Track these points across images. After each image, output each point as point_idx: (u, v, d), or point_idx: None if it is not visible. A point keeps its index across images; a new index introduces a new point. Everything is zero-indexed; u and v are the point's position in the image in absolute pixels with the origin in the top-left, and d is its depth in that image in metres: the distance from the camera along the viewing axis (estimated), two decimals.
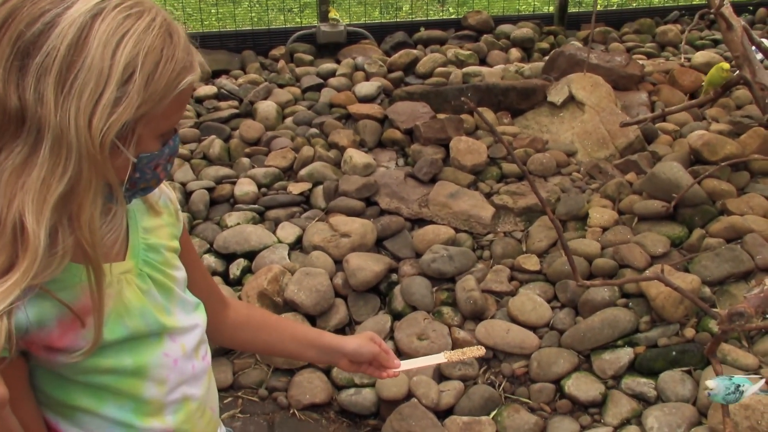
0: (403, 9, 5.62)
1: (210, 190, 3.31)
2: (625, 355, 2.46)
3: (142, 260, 1.00)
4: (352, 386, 2.50)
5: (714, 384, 1.67)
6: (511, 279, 2.80)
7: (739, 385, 1.67)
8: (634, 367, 2.45)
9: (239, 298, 2.76)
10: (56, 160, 0.79)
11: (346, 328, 2.73)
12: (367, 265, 2.78)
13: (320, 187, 3.27)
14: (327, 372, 2.57)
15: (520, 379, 2.48)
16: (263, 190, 3.33)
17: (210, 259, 2.97)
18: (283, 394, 2.54)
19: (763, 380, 1.68)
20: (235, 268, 2.94)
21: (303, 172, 3.37)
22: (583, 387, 2.40)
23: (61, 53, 0.78)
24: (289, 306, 2.72)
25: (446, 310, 2.68)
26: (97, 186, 0.82)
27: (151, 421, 1.00)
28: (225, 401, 2.53)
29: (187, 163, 3.50)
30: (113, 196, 0.91)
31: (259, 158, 3.54)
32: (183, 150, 3.56)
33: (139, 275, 0.99)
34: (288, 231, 3.08)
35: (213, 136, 3.66)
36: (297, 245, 3.04)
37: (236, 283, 2.89)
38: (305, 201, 3.29)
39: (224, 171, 3.43)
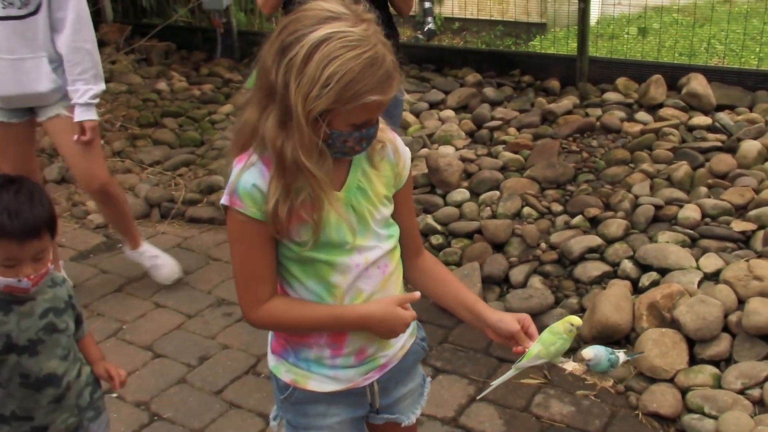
0: None
1: (658, 207, 3.54)
2: None
3: (351, 195, 1.48)
4: (699, 412, 2.57)
5: (592, 353, 1.55)
6: None
7: (613, 350, 1.54)
8: None
9: (633, 304, 3.01)
10: (296, 124, 1.33)
11: (722, 362, 2.76)
12: (765, 312, 2.74)
13: (763, 231, 3.23)
14: (684, 392, 2.67)
15: None
16: (706, 219, 3.43)
17: (627, 265, 3.25)
18: (635, 396, 2.74)
19: (624, 351, 1.61)
20: (646, 279, 3.16)
21: (753, 212, 3.36)
22: None
23: (298, 60, 1.30)
24: (673, 324, 2.87)
25: None
26: (311, 141, 1.34)
27: (335, 301, 1.51)
28: (586, 382, 2.84)
29: (649, 180, 3.78)
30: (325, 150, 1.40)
31: (717, 190, 3.62)
32: (648, 168, 3.85)
33: (345, 204, 1.47)
34: (711, 261, 3.16)
35: (684, 162, 3.84)
36: (714, 277, 3.10)
37: (642, 291, 3.12)
38: (744, 240, 3.29)
39: (678, 194, 3.62)
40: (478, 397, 1.54)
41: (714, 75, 4.70)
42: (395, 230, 1.60)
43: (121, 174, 4.75)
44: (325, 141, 1.38)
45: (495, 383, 1.69)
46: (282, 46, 1.34)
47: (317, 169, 1.37)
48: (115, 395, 2.86)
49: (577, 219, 3.61)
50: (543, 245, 3.51)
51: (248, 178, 1.42)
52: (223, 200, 1.45)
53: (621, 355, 1.60)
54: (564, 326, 1.60)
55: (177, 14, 6.91)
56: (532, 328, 1.59)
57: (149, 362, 3.10)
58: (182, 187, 4.57)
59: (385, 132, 1.54)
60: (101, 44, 6.74)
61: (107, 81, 6.06)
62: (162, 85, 6.07)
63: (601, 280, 3.27)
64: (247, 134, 1.44)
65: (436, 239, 3.72)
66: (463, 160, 4.20)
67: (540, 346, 1.57)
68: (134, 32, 6.82)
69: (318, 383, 1.59)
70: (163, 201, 4.44)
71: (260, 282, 1.50)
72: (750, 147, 3.85)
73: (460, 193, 3.95)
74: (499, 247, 3.59)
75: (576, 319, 1.60)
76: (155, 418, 2.80)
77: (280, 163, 1.38)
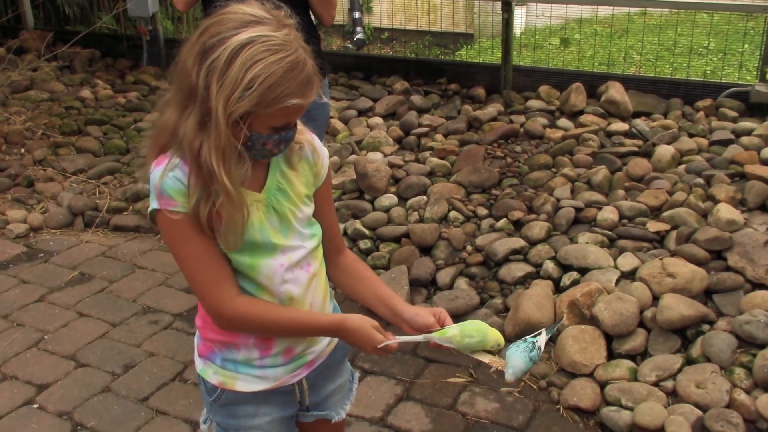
0: None
1: (578, 210, 3.66)
2: None
3: (271, 196, 1.49)
4: (617, 404, 2.67)
5: (511, 372, 1.54)
6: None
7: (534, 342, 1.56)
8: None
9: (554, 302, 3.10)
10: (214, 125, 1.33)
11: (638, 356, 2.87)
12: (677, 307, 2.86)
13: (676, 231, 3.37)
14: (603, 386, 2.77)
15: None
16: (624, 221, 3.56)
17: (549, 265, 3.35)
18: (557, 391, 2.82)
19: (544, 330, 1.64)
20: (567, 279, 3.26)
21: (666, 213, 3.50)
22: None
23: (221, 62, 1.31)
24: (592, 321, 2.97)
25: (739, 371, 2.64)
26: (228, 143, 1.35)
27: (265, 298, 1.52)
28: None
29: (570, 184, 3.90)
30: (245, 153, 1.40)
31: (634, 193, 3.76)
32: (569, 172, 3.97)
33: (266, 205, 1.48)
34: (628, 260, 3.28)
35: (603, 166, 3.98)
36: (630, 275, 3.22)
37: (563, 290, 3.22)
38: (658, 240, 3.42)
39: (597, 197, 3.74)
40: (378, 346, 1.50)
41: (631, 83, 4.89)
42: (318, 229, 1.61)
43: (43, 182, 4.64)
44: (245, 144, 1.39)
45: (400, 338, 1.59)
46: (203, 48, 1.34)
47: (226, 172, 1.37)
48: (36, 406, 2.80)
49: (502, 222, 3.70)
50: (469, 248, 3.59)
51: (171, 175, 1.40)
52: (153, 205, 1.43)
53: (542, 337, 1.62)
54: (492, 337, 1.59)
55: (101, 21, 6.79)
56: (448, 320, 1.60)
57: (72, 372, 3.03)
58: (107, 195, 4.48)
59: (303, 133, 1.56)
60: (21, 51, 6.62)
61: (28, 88, 5.98)
62: (86, 92, 5.95)
63: (525, 281, 3.36)
64: (166, 136, 1.43)
65: (364, 244, 3.75)
66: (391, 165, 4.25)
67: (457, 331, 1.57)
68: (57, 39, 6.67)
69: (246, 383, 1.59)
70: (87, 210, 4.35)
71: (222, 277, 1.47)
72: (664, 151, 4.02)
73: (388, 198, 4.00)
74: (426, 250, 3.65)
75: (503, 343, 1.61)
76: (78, 428, 2.74)
77: (197, 165, 1.38)
